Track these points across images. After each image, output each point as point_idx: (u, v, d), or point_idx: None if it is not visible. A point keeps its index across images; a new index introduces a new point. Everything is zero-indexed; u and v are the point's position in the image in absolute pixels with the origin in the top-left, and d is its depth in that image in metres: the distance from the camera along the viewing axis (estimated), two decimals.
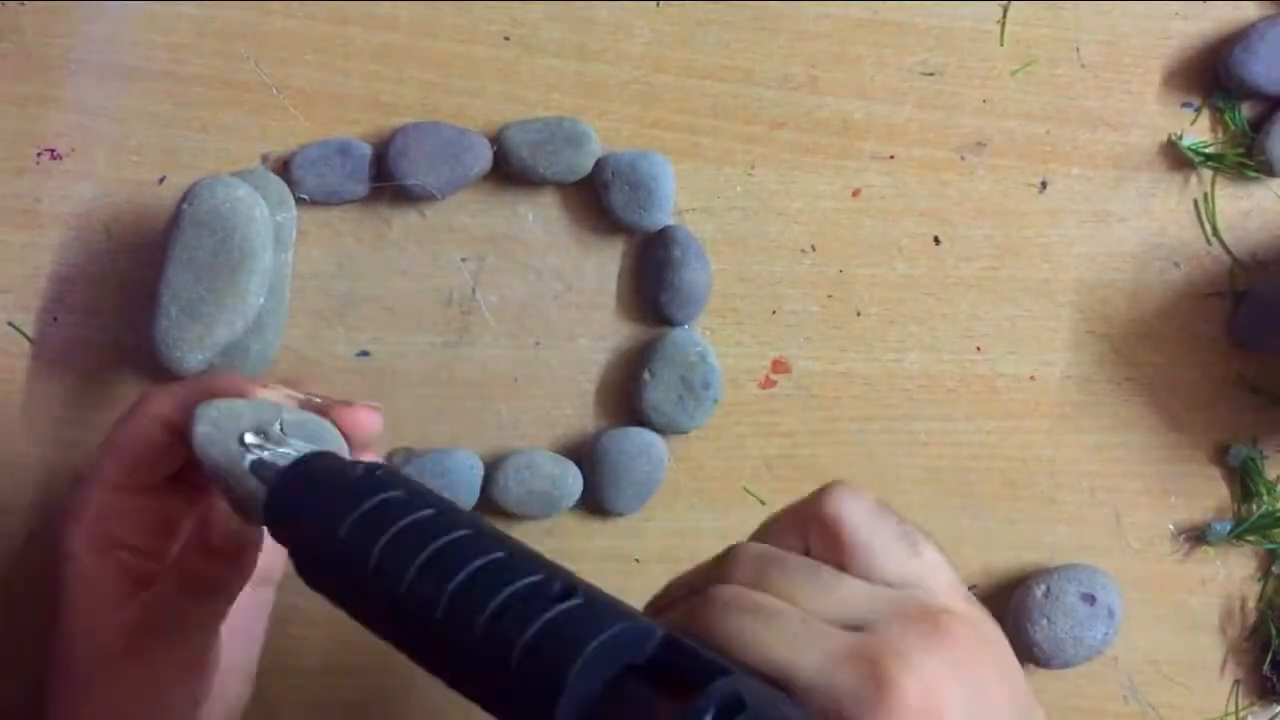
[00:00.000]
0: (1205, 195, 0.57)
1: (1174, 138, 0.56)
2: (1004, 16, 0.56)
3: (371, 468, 0.35)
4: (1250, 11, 0.56)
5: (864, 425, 0.56)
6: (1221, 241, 0.57)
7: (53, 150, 0.54)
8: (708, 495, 0.56)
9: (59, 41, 0.54)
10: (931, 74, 0.56)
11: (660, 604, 0.36)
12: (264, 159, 0.54)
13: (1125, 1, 0.56)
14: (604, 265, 0.56)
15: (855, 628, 0.31)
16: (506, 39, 0.55)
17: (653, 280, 0.55)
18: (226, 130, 0.54)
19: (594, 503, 0.55)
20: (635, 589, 0.56)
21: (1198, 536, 0.57)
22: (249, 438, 0.38)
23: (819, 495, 0.34)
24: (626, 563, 0.56)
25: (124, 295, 0.54)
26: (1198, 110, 0.57)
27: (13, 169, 0.54)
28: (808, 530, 0.34)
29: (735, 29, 0.55)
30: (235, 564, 0.40)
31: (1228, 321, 0.57)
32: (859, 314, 0.56)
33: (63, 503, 0.53)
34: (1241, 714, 0.57)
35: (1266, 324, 0.56)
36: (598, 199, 0.55)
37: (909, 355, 0.56)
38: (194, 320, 0.50)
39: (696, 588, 0.34)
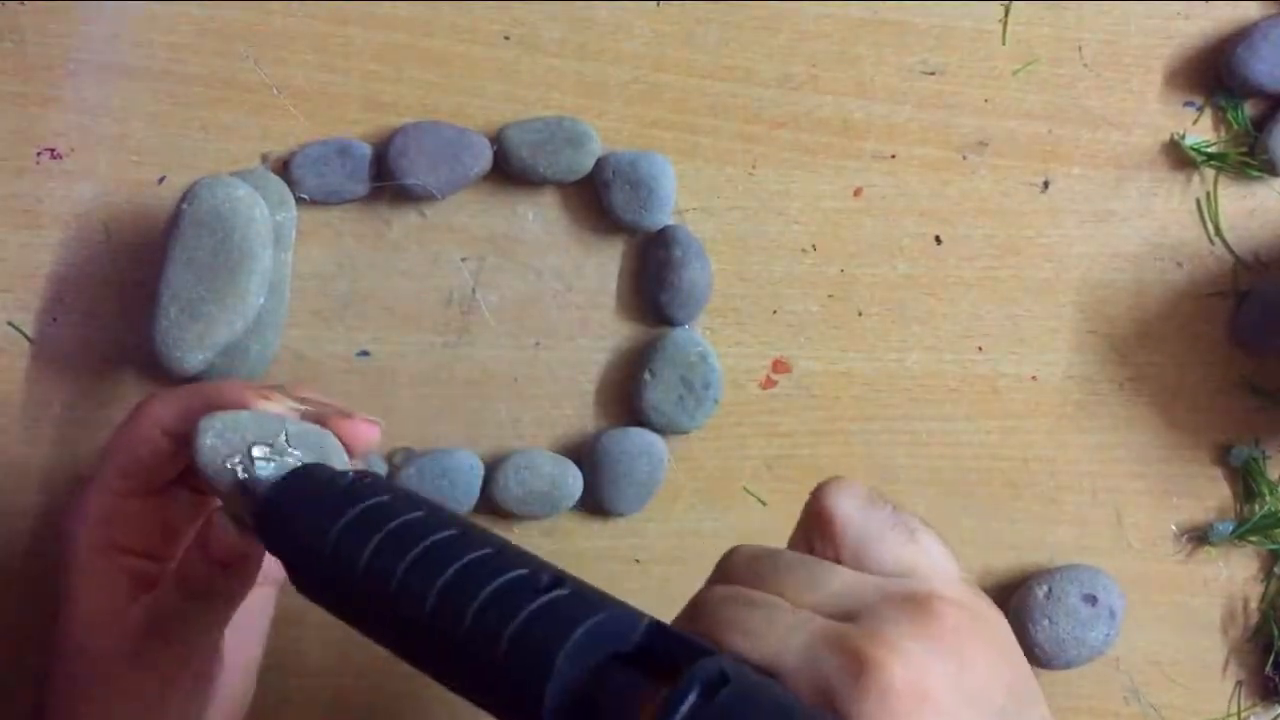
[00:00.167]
0: (1207, 195, 0.57)
1: (1176, 137, 0.56)
2: (1005, 16, 0.56)
3: (360, 475, 0.36)
4: (1252, 10, 0.56)
5: (865, 425, 0.56)
6: (1224, 241, 0.57)
7: (53, 150, 0.54)
8: (708, 495, 0.56)
9: (59, 41, 0.54)
10: (933, 73, 0.56)
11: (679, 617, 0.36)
12: (264, 159, 0.54)
13: (1127, 1, 0.56)
14: (604, 265, 0.55)
15: (847, 617, 0.31)
16: (506, 39, 0.55)
17: (653, 280, 0.55)
18: (226, 130, 0.54)
19: (594, 503, 0.55)
20: (635, 589, 0.56)
21: (1200, 537, 0.57)
22: (256, 451, 0.38)
23: (813, 493, 0.35)
24: (626, 563, 0.56)
25: (124, 295, 0.54)
26: (1200, 109, 0.56)
27: (13, 169, 0.54)
28: (810, 530, 0.35)
29: (735, 29, 0.55)
30: (237, 574, 0.40)
31: (1230, 321, 0.57)
32: (860, 314, 0.56)
33: (65, 505, 0.53)
34: (1244, 715, 0.57)
35: (1269, 324, 0.56)
36: (598, 199, 0.55)
37: (910, 355, 0.56)
38: (194, 320, 0.50)
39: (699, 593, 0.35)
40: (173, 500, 0.44)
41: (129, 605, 0.42)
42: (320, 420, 0.41)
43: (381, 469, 0.54)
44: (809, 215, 0.56)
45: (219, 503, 0.40)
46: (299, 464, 0.38)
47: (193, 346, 0.50)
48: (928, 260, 0.56)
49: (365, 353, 0.55)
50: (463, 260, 0.55)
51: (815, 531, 0.34)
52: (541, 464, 0.54)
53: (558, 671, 0.28)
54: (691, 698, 0.27)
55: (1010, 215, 0.56)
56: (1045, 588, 0.54)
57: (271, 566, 0.47)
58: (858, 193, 0.56)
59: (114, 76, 0.54)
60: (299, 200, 0.53)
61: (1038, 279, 0.56)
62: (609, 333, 0.56)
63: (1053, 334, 0.57)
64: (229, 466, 0.38)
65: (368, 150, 0.54)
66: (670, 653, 0.29)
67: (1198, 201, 0.57)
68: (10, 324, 0.54)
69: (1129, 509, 0.57)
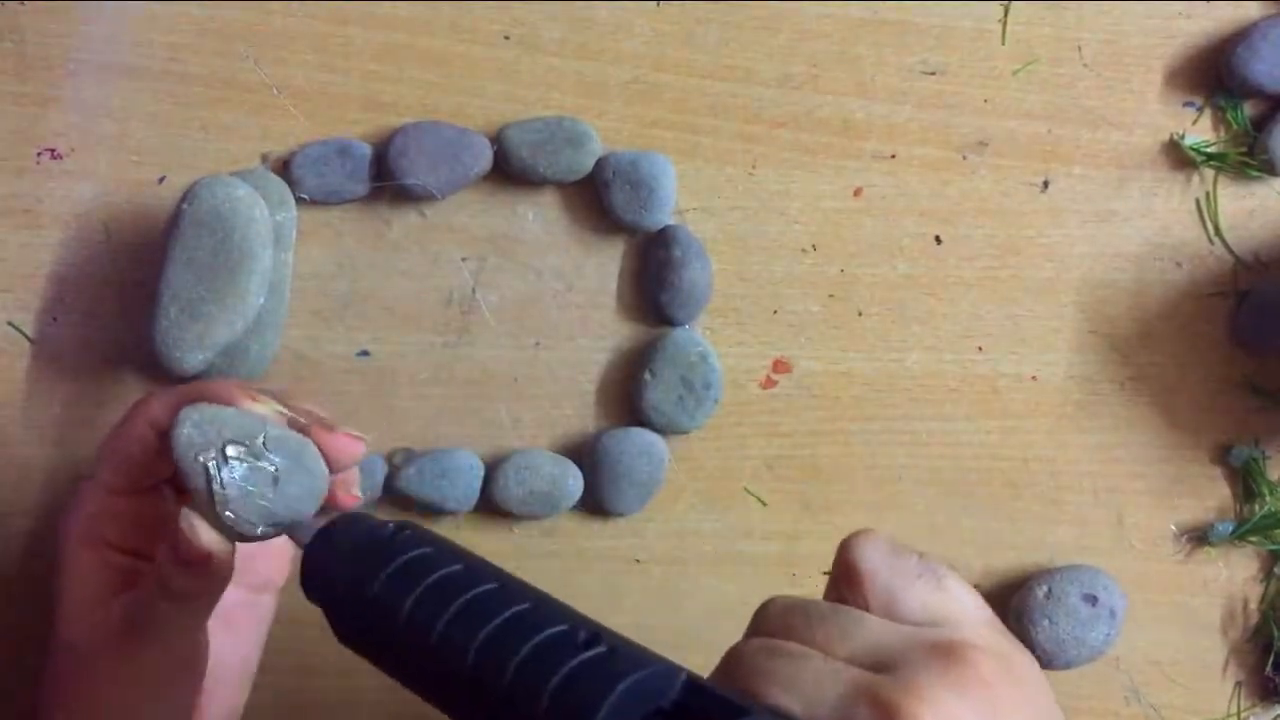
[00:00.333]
0: (1207, 195, 0.57)
1: (1176, 137, 0.56)
2: (1005, 16, 0.56)
3: (401, 526, 0.36)
4: (1252, 10, 0.56)
5: (865, 425, 0.56)
6: (1224, 241, 0.57)
7: (53, 150, 0.54)
8: (708, 495, 0.56)
9: (59, 41, 0.54)
10: (933, 73, 0.56)
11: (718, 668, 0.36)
12: (264, 159, 0.54)
13: (1127, 0, 0.56)
14: (604, 265, 0.55)
15: (880, 667, 0.31)
16: (506, 39, 0.55)
17: (653, 280, 0.55)
18: (226, 130, 0.54)
19: (594, 503, 0.55)
20: (635, 589, 0.56)
21: (1200, 537, 0.57)
22: (230, 449, 0.38)
23: (841, 545, 0.35)
24: (627, 563, 0.56)
25: (124, 295, 0.54)
26: (1200, 109, 0.56)
27: (13, 169, 0.54)
28: (840, 585, 0.35)
29: (735, 29, 0.55)
30: (207, 573, 0.40)
31: (1230, 321, 0.57)
32: (860, 314, 0.56)
33: (63, 503, 0.53)
34: (1243, 715, 0.57)
35: (1269, 324, 0.56)
36: (598, 199, 0.55)
37: (910, 355, 0.56)
38: (194, 320, 0.50)
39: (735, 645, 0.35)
40: (162, 499, 0.44)
41: (112, 601, 0.42)
42: (303, 429, 0.41)
43: (381, 471, 0.54)
44: (809, 215, 0.56)
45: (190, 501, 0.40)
46: (277, 469, 0.38)
47: (193, 346, 0.50)
48: (928, 260, 0.56)
49: (365, 353, 0.55)
50: (463, 260, 0.55)
51: (845, 585, 0.34)
52: (542, 464, 0.54)
53: None
54: None
55: (1010, 215, 0.56)
56: (1045, 588, 0.54)
57: (270, 573, 0.47)
58: (858, 193, 0.56)
59: (114, 76, 0.54)
60: (299, 200, 0.53)
61: (1038, 279, 0.56)
62: (609, 333, 0.56)
63: (1053, 334, 0.57)
64: (200, 460, 0.38)
65: (368, 150, 0.54)
66: (706, 711, 0.29)
67: (1198, 201, 0.57)
68: (10, 324, 0.54)
69: (1129, 509, 0.57)
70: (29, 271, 0.54)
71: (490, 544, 0.56)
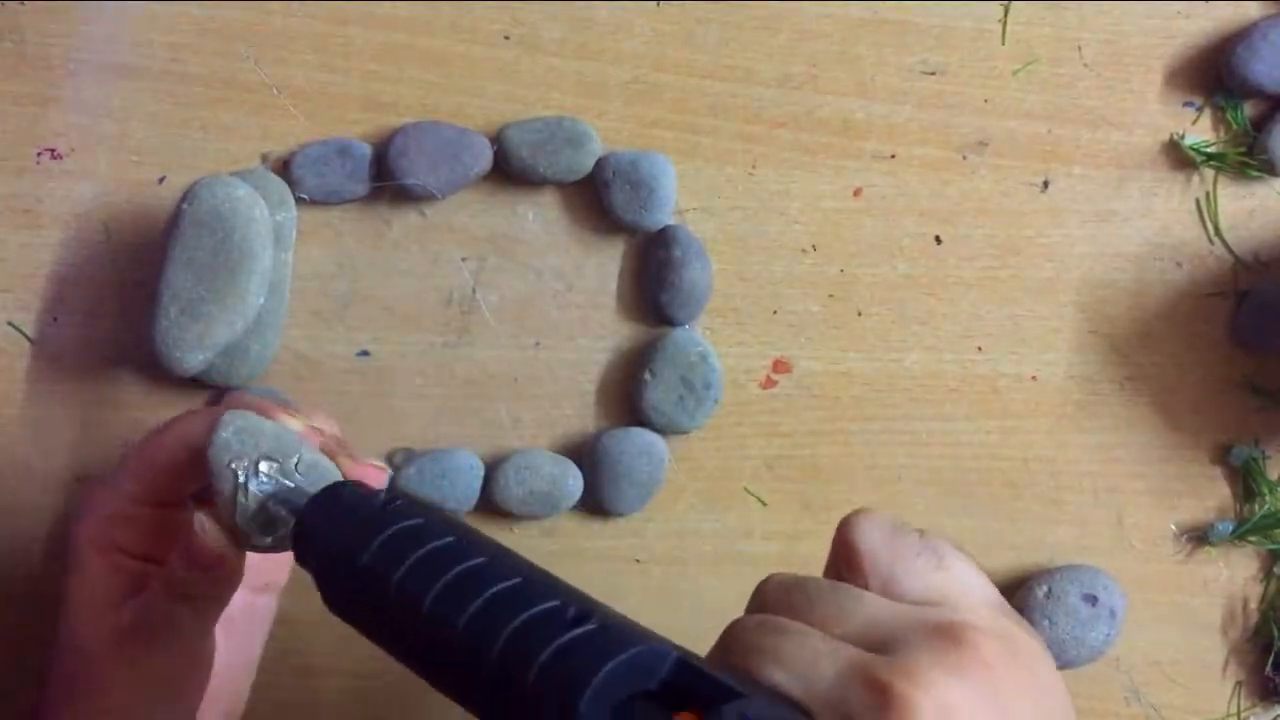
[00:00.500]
0: (1207, 195, 0.57)
1: (1176, 137, 0.56)
2: (1005, 16, 0.56)
3: (393, 497, 0.36)
4: (1252, 10, 0.56)
5: (865, 425, 0.56)
6: (1224, 241, 0.57)
7: (53, 150, 0.54)
8: (708, 495, 0.56)
9: (59, 41, 0.54)
10: (933, 73, 0.56)
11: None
12: (264, 159, 0.54)
13: (1127, 0, 0.56)
14: (604, 265, 0.55)
15: (879, 647, 0.30)
16: (506, 39, 0.55)
17: (653, 280, 0.55)
18: (226, 130, 0.54)
19: (594, 503, 0.55)
20: (635, 589, 0.56)
21: (1200, 537, 0.57)
22: (263, 464, 0.38)
23: (840, 524, 0.34)
24: (627, 563, 0.56)
25: (124, 295, 0.54)
26: (1200, 109, 0.56)
27: (13, 169, 0.54)
28: (839, 564, 0.34)
29: (735, 29, 0.55)
30: (219, 577, 0.40)
31: (1230, 321, 0.57)
32: (860, 314, 0.56)
33: (70, 504, 0.53)
34: (1243, 715, 0.57)
35: (1268, 324, 0.56)
36: (598, 199, 0.55)
37: (910, 355, 0.56)
38: (194, 320, 0.50)
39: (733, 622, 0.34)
40: (179, 510, 0.44)
41: (121, 604, 0.42)
42: (332, 456, 0.41)
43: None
44: (809, 215, 0.56)
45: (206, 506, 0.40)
46: (307, 491, 0.39)
47: (193, 346, 0.50)
48: (928, 260, 0.56)
49: (365, 353, 0.55)
50: (463, 260, 0.55)
51: (844, 564, 0.34)
52: (542, 464, 0.54)
53: (582, 713, 0.28)
54: None
55: (1010, 215, 0.56)
56: (1045, 588, 0.54)
57: (272, 574, 0.47)
58: (858, 193, 0.56)
59: (114, 76, 0.54)
60: (299, 200, 0.53)
61: (1038, 279, 0.56)
62: (609, 333, 0.56)
63: (1053, 334, 0.57)
64: (232, 466, 0.38)
65: (368, 150, 0.54)
66: (697, 691, 0.29)
67: (1197, 201, 0.57)
68: (10, 324, 0.54)
69: (1129, 509, 0.57)
70: (29, 271, 0.54)
71: None
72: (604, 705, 0.28)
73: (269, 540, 0.39)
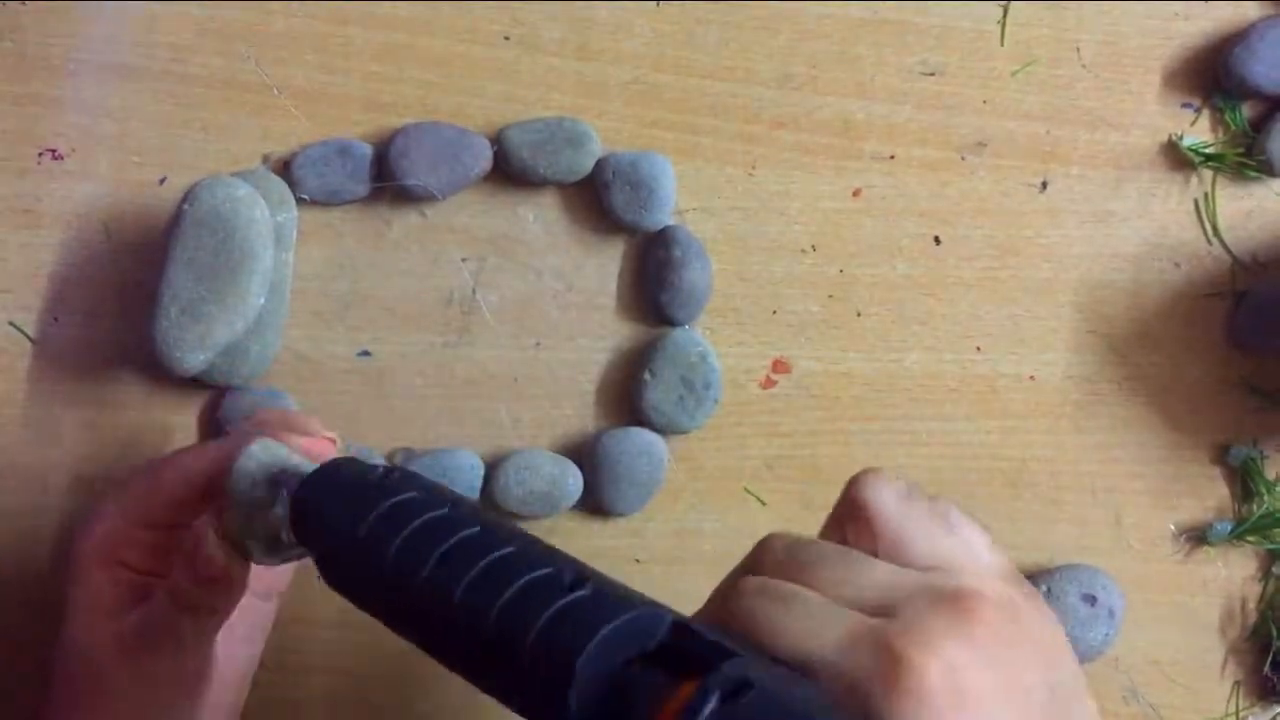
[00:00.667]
0: (1206, 195, 0.57)
1: (1174, 138, 0.56)
2: (1004, 16, 0.56)
3: (389, 470, 0.36)
4: (1251, 11, 0.56)
5: (864, 425, 0.56)
6: (1222, 242, 0.57)
7: (53, 150, 0.54)
8: (708, 495, 0.56)
9: (59, 41, 0.54)
10: (932, 74, 0.56)
11: (709, 601, 0.35)
12: (265, 159, 0.55)
13: (1126, 1, 0.56)
14: (604, 265, 0.56)
15: (884, 612, 0.30)
16: (506, 39, 0.55)
17: (653, 280, 0.55)
18: (227, 130, 0.54)
19: (594, 503, 0.55)
20: (636, 589, 0.56)
21: (1198, 537, 0.57)
22: (283, 494, 0.39)
23: (850, 483, 0.34)
24: (627, 563, 0.56)
25: (125, 295, 0.54)
26: (1198, 110, 0.56)
27: (14, 169, 0.54)
28: (845, 521, 0.34)
29: (735, 29, 0.55)
30: (223, 590, 0.40)
31: (1228, 322, 0.57)
32: (859, 314, 0.56)
33: (77, 515, 0.53)
34: (1242, 715, 0.57)
35: (1267, 324, 0.56)
36: (598, 199, 0.55)
37: (909, 355, 0.56)
38: (195, 320, 0.50)
39: (731, 581, 0.34)
40: (181, 532, 0.44)
41: (123, 614, 0.42)
42: None
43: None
44: (809, 215, 0.56)
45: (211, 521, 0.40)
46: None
47: (193, 347, 0.50)
48: (927, 261, 0.56)
49: (366, 353, 0.55)
50: (463, 260, 0.55)
51: (851, 522, 0.33)
52: (542, 464, 0.54)
53: (579, 676, 0.28)
54: (712, 703, 0.27)
55: (1009, 216, 0.56)
56: (1044, 587, 0.54)
57: (273, 579, 0.47)
58: (857, 193, 0.56)
59: (115, 77, 0.54)
60: (300, 201, 0.54)
61: (1037, 279, 0.57)
62: (609, 333, 0.56)
63: (1052, 334, 0.57)
64: (254, 496, 0.39)
65: (368, 151, 0.54)
66: (693, 653, 0.28)
67: (1196, 202, 0.57)
68: (12, 324, 0.54)
69: (1128, 509, 0.57)
70: (30, 272, 0.54)
71: None
72: (601, 668, 0.28)
73: (277, 561, 0.40)
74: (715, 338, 0.56)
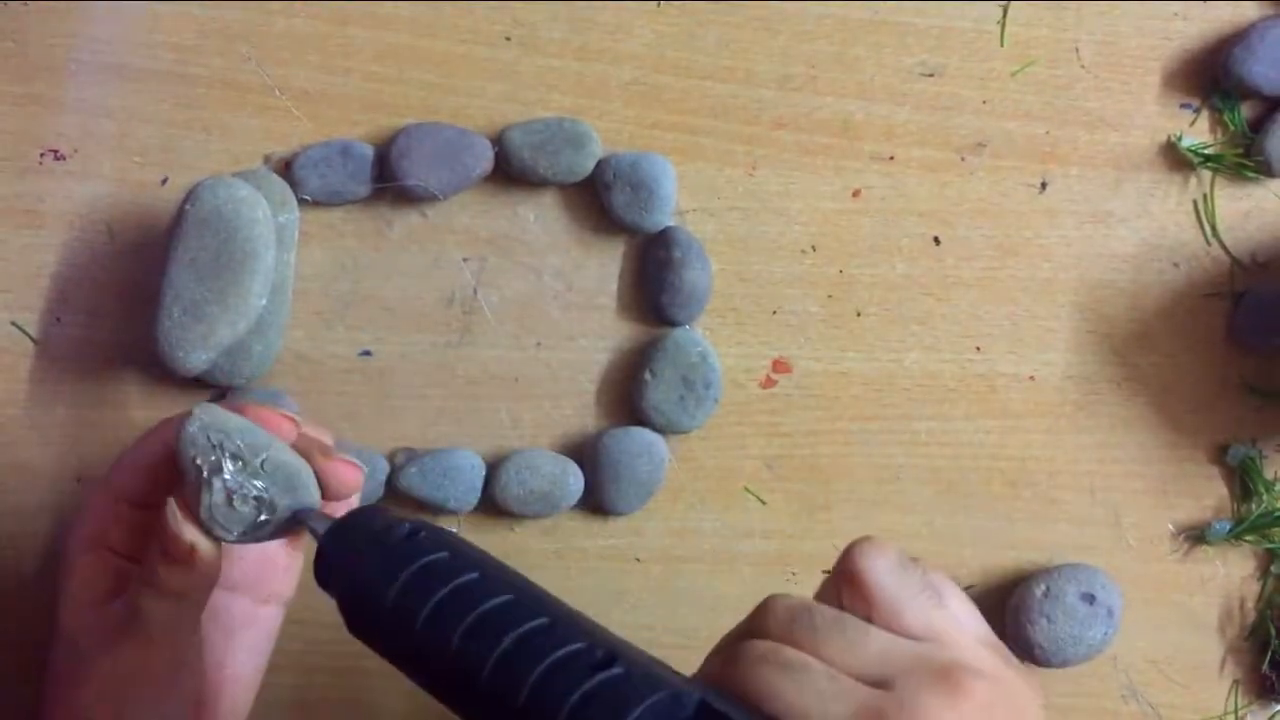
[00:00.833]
0: (1205, 196, 0.57)
1: (1173, 138, 0.56)
2: (1004, 17, 0.56)
3: (416, 529, 0.37)
4: (1250, 12, 0.56)
5: (864, 425, 0.57)
6: (1221, 242, 0.57)
7: (55, 151, 0.54)
8: (708, 495, 0.56)
9: (60, 41, 0.54)
10: (931, 74, 0.56)
11: (711, 658, 0.37)
12: (266, 160, 0.55)
13: (1125, 2, 0.56)
14: (605, 266, 0.56)
15: (880, 682, 0.32)
16: (507, 39, 0.55)
17: (653, 281, 0.55)
18: (229, 131, 0.55)
19: (595, 502, 0.55)
20: (635, 589, 0.56)
21: (1197, 536, 0.57)
22: (228, 462, 0.39)
23: (845, 551, 0.36)
24: (627, 562, 0.56)
25: (127, 296, 0.54)
26: (1197, 111, 0.57)
27: (16, 169, 0.54)
28: (841, 588, 0.36)
29: (735, 29, 0.55)
30: (193, 572, 0.40)
31: (1227, 322, 0.57)
32: (859, 314, 0.56)
33: (68, 504, 0.53)
34: (1240, 713, 0.58)
35: (1265, 324, 0.56)
36: (598, 200, 0.55)
37: (909, 355, 0.57)
38: (196, 321, 0.50)
39: (735, 641, 0.36)
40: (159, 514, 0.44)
41: (109, 601, 0.43)
42: (305, 454, 0.41)
43: (382, 470, 0.54)
44: (809, 216, 0.56)
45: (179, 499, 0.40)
46: (264, 495, 0.39)
47: (195, 347, 0.50)
48: (926, 261, 0.56)
49: (367, 353, 0.55)
50: (464, 261, 0.55)
51: (846, 588, 0.35)
52: (542, 464, 0.54)
53: None
54: None
55: (1008, 216, 0.56)
56: (1044, 586, 0.55)
57: (280, 585, 0.47)
58: (857, 194, 0.56)
59: (116, 77, 0.54)
60: (301, 201, 0.54)
61: (1036, 279, 0.57)
62: (609, 333, 0.56)
63: (1051, 334, 0.57)
64: (197, 463, 0.39)
65: (369, 151, 0.54)
66: None
67: (1195, 203, 0.57)
68: (14, 324, 0.54)
69: (1127, 508, 0.57)
70: (32, 272, 0.54)
71: (491, 543, 0.55)
72: None
73: (234, 534, 0.39)
74: (715, 338, 0.56)
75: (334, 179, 0.54)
